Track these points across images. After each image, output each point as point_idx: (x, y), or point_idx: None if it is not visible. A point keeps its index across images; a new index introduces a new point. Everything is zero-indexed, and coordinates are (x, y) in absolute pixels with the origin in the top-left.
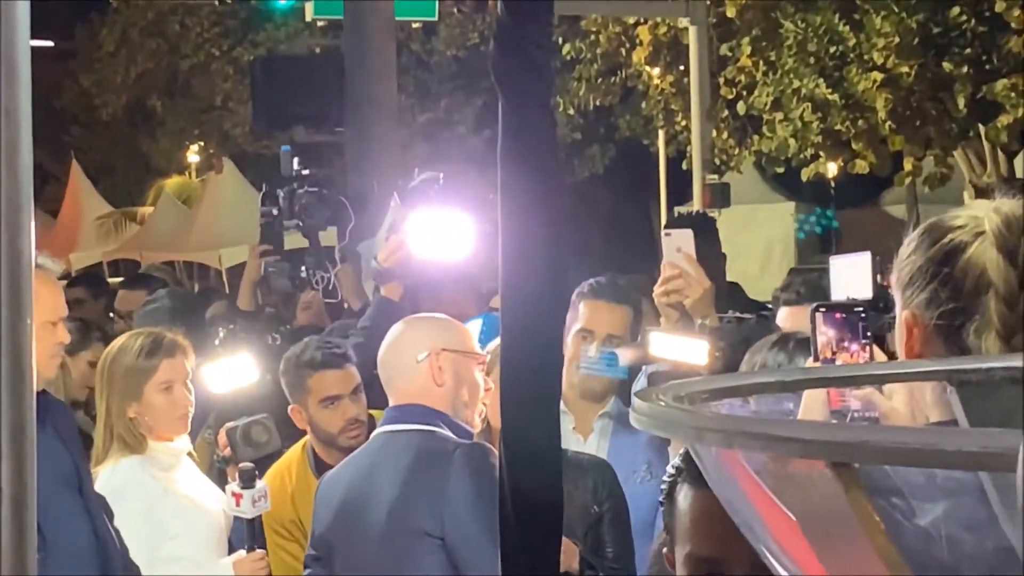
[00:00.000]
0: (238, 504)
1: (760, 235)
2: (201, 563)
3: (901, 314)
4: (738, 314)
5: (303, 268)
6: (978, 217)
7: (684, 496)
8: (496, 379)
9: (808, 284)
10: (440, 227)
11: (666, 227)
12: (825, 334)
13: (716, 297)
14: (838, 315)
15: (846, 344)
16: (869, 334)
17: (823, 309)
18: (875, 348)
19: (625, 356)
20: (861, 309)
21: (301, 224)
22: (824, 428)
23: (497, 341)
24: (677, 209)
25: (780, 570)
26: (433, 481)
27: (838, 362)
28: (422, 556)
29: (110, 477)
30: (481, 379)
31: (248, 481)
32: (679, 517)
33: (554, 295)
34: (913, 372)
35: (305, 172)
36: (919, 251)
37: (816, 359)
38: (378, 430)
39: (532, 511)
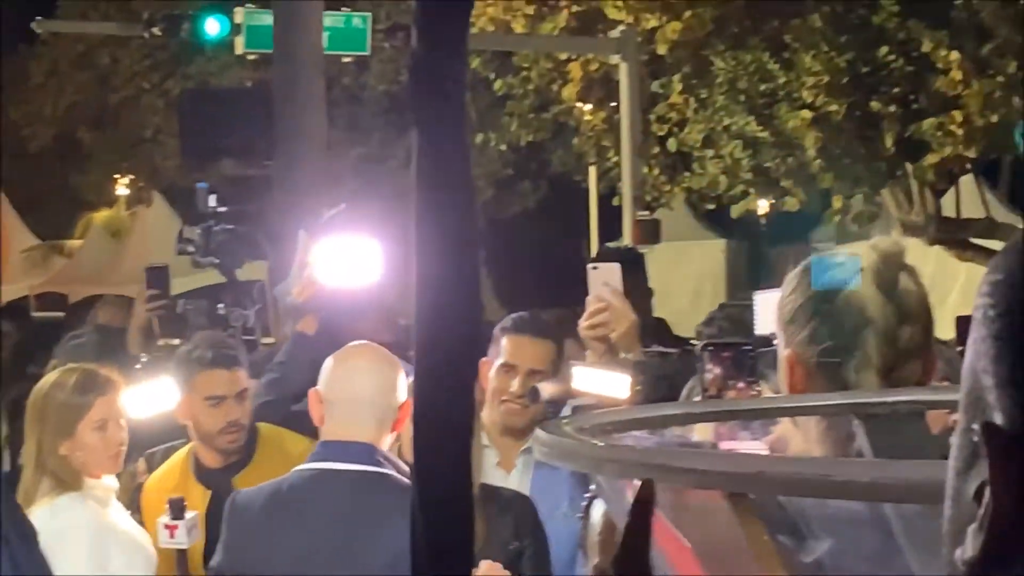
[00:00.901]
0: (173, 536)
1: (691, 271)
2: None
3: (783, 352)
4: (662, 349)
5: (220, 306)
6: (856, 255)
7: (596, 510)
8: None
9: (731, 319)
10: (346, 254)
11: (592, 261)
12: (712, 371)
13: (642, 333)
14: (725, 353)
15: (732, 381)
16: (757, 371)
17: (711, 347)
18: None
19: (548, 390)
20: (749, 347)
21: (217, 262)
22: (721, 459)
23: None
24: (607, 245)
25: None
26: (399, 526)
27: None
28: None
29: (51, 517)
30: None
31: (179, 512)
32: (591, 531)
33: (469, 323)
34: (820, 406)
35: (222, 209)
36: (799, 289)
37: (704, 395)
38: (318, 465)
39: (443, 548)
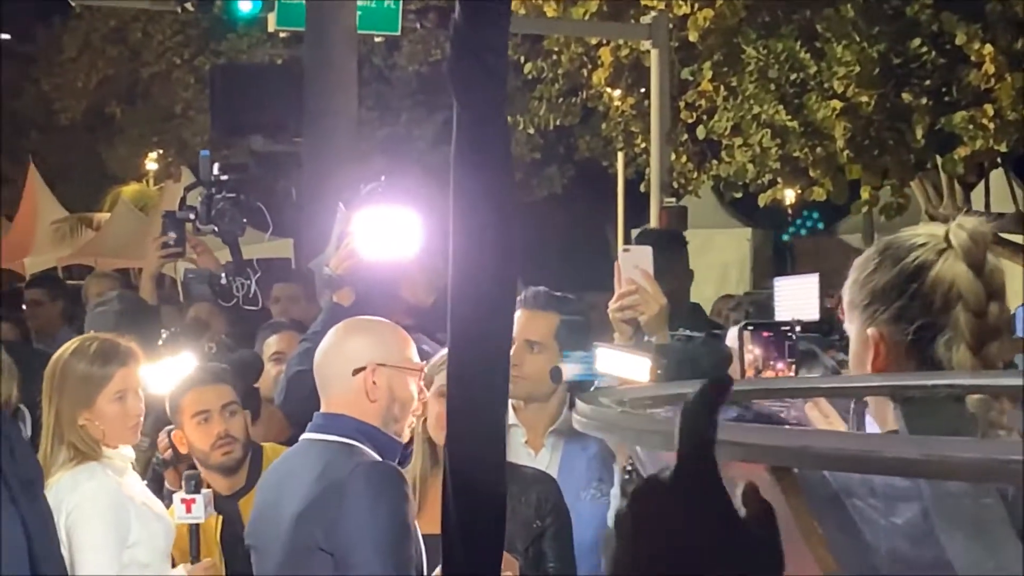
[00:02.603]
0: (190, 510)
1: (716, 259)
2: (158, 572)
3: (864, 332)
4: (688, 332)
5: (223, 275)
6: (936, 235)
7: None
8: (436, 392)
9: (757, 304)
10: (386, 225)
11: (631, 243)
12: (752, 351)
13: (678, 315)
14: (765, 333)
15: (772, 362)
16: (796, 352)
17: (751, 327)
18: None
19: (570, 370)
20: (788, 328)
21: (217, 229)
22: (766, 433)
23: (440, 354)
24: (647, 227)
25: None
26: (331, 496)
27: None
28: (316, 571)
29: (71, 487)
30: (415, 391)
31: (197, 486)
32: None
33: (504, 298)
34: (858, 387)
35: (224, 177)
36: (881, 270)
37: (742, 375)
38: (304, 436)
39: (473, 522)
